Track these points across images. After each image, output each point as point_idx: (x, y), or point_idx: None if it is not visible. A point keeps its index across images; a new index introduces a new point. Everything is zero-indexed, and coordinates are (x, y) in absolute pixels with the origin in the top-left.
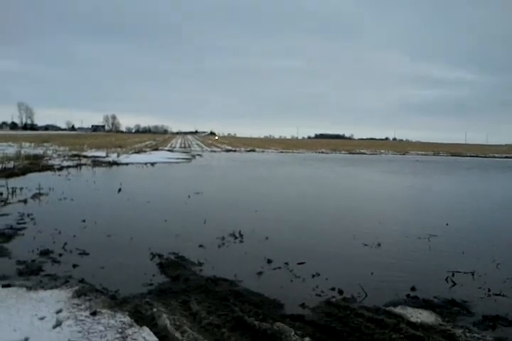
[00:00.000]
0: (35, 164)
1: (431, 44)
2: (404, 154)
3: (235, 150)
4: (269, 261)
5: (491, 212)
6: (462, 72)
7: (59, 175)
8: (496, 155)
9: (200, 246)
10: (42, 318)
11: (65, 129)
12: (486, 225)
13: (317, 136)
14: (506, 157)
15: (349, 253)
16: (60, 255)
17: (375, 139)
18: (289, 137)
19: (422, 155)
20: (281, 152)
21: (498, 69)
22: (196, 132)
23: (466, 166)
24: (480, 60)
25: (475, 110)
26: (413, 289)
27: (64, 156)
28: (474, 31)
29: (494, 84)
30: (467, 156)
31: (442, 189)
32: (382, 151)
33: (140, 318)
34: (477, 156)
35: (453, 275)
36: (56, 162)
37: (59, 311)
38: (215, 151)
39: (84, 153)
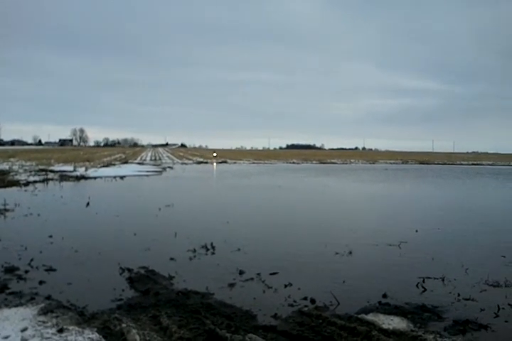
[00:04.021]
0: (1, 180)
1: (397, 55)
2: (373, 163)
3: (206, 162)
4: (242, 273)
5: (459, 218)
6: (428, 81)
7: (25, 190)
8: (463, 162)
9: (171, 259)
10: (6, 337)
11: (31, 144)
12: (454, 231)
13: (288, 147)
14: (473, 164)
15: (321, 262)
16: (26, 272)
17: (345, 149)
18: (260, 148)
19: (391, 163)
20: (253, 163)
21: (463, 78)
22: (167, 144)
23: (435, 174)
24: (445, 70)
25: (441, 119)
26: (385, 296)
27: (31, 171)
28: (439, 42)
29: (459, 93)
30: (435, 164)
31: (411, 196)
32: (352, 161)
33: (109, 334)
34: (445, 164)
35: (423, 281)
36: (22, 177)
37: (24, 329)
38: (186, 163)
39: (52, 168)
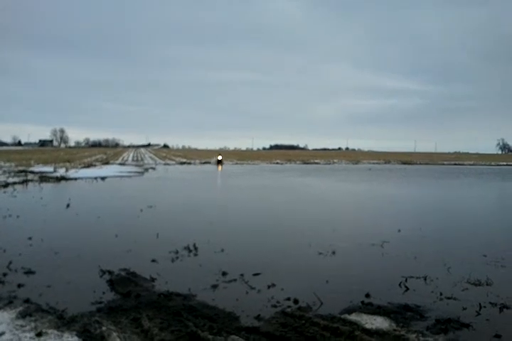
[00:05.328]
0: None
1: (380, 55)
2: (356, 163)
3: (189, 163)
4: (224, 274)
5: (441, 218)
6: (410, 82)
7: (4, 191)
8: (445, 162)
9: (153, 260)
10: None
11: (10, 144)
12: (437, 230)
13: (272, 147)
14: (454, 164)
15: (304, 262)
16: (5, 275)
17: (328, 149)
18: (244, 148)
19: (374, 163)
20: (237, 163)
21: (445, 79)
22: (149, 145)
23: (417, 174)
24: (427, 70)
25: (423, 119)
26: (367, 296)
27: (9, 172)
28: (422, 42)
29: (441, 94)
30: (417, 164)
31: (394, 196)
32: (335, 161)
33: (89, 337)
34: (427, 164)
35: (406, 280)
36: (1, 178)
37: (1, 334)
38: (168, 164)
39: (31, 169)
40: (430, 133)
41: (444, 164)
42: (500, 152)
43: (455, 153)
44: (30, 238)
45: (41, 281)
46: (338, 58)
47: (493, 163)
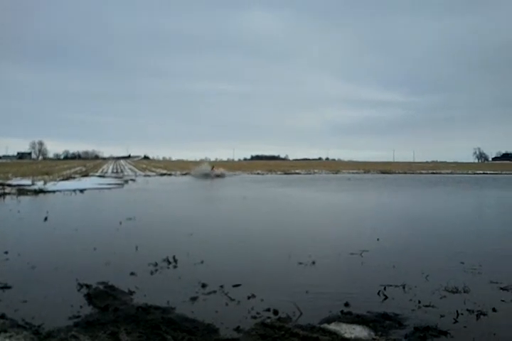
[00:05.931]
0: None
1: (361, 66)
2: (336, 173)
3: (170, 174)
4: (204, 285)
5: (419, 226)
6: (390, 93)
7: None
8: (423, 171)
9: (132, 273)
10: None
11: None
12: (415, 239)
13: (253, 158)
14: (432, 173)
15: (285, 272)
16: None
17: (309, 159)
18: (225, 159)
19: (354, 173)
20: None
21: (423, 90)
22: (129, 156)
23: (396, 183)
24: (405, 82)
25: (402, 129)
26: (347, 305)
27: None
28: (402, 54)
29: (419, 105)
30: (396, 173)
31: (373, 205)
32: (316, 171)
33: None
34: (405, 173)
35: (385, 289)
36: None
37: None
38: (149, 176)
39: (9, 182)
40: (409, 142)
41: (422, 173)
42: (476, 161)
43: (433, 162)
44: (6, 252)
45: (17, 296)
46: (321, 69)
47: (469, 172)
